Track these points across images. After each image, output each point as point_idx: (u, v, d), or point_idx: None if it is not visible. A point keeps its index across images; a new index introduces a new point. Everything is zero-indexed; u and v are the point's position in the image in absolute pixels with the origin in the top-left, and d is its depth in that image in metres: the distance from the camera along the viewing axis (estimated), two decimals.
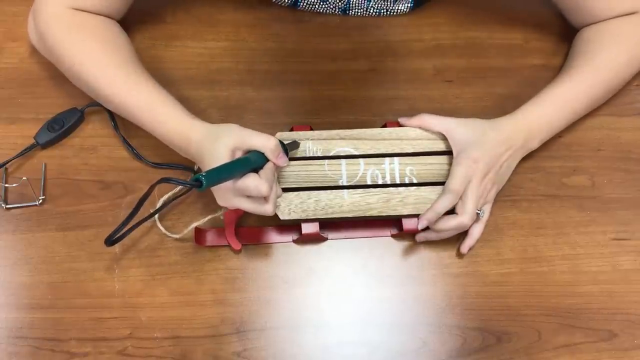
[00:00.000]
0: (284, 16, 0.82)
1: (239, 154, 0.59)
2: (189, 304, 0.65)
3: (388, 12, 0.82)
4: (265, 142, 0.59)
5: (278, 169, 0.63)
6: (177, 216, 0.69)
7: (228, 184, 0.58)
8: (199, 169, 0.66)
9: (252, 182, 0.57)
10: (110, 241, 0.60)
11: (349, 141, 0.69)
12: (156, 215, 0.67)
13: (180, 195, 0.67)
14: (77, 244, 0.67)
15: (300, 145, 0.68)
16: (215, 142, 0.59)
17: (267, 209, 0.59)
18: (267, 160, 0.60)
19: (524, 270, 0.68)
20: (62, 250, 0.67)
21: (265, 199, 0.59)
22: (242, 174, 0.57)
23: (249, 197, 0.59)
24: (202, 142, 0.61)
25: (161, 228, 0.67)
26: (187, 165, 0.70)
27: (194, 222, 0.66)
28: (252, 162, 0.58)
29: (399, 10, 0.82)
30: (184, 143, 0.64)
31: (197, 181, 0.52)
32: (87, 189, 0.70)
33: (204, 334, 0.64)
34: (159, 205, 0.66)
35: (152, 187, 0.56)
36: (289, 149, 0.64)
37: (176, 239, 0.68)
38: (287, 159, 0.62)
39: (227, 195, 0.60)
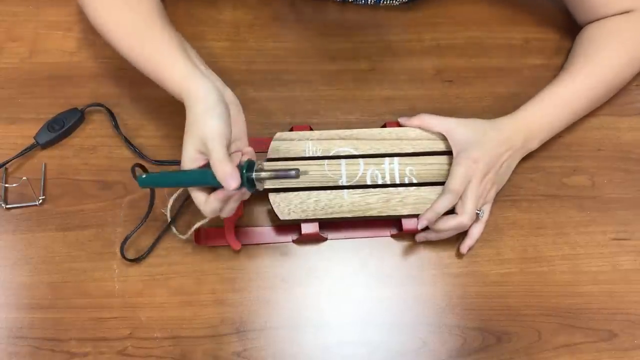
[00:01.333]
0: (284, 16, 0.82)
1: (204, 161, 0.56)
2: (189, 304, 0.65)
3: (386, 1, 0.82)
4: (218, 166, 0.53)
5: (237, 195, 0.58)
6: (177, 216, 0.69)
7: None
8: None
9: (199, 199, 0.57)
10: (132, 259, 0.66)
11: (348, 141, 0.69)
12: (167, 212, 0.66)
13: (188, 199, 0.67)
14: (77, 244, 0.67)
15: (300, 145, 0.68)
16: (187, 135, 0.56)
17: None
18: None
19: (524, 270, 0.68)
20: (62, 250, 0.67)
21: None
22: (190, 185, 0.57)
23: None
24: (188, 121, 0.57)
25: (172, 229, 0.66)
26: None
27: (194, 222, 0.66)
28: (199, 179, 0.56)
29: (396, 1, 0.82)
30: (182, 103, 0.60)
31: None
32: (87, 189, 0.70)
33: (204, 334, 0.64)
34: (169, 207, 0.65)
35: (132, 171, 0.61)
36: (283, 175, 0.55)
37: (176, 239, 0.67)
38: (244, 187, 0.56)
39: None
